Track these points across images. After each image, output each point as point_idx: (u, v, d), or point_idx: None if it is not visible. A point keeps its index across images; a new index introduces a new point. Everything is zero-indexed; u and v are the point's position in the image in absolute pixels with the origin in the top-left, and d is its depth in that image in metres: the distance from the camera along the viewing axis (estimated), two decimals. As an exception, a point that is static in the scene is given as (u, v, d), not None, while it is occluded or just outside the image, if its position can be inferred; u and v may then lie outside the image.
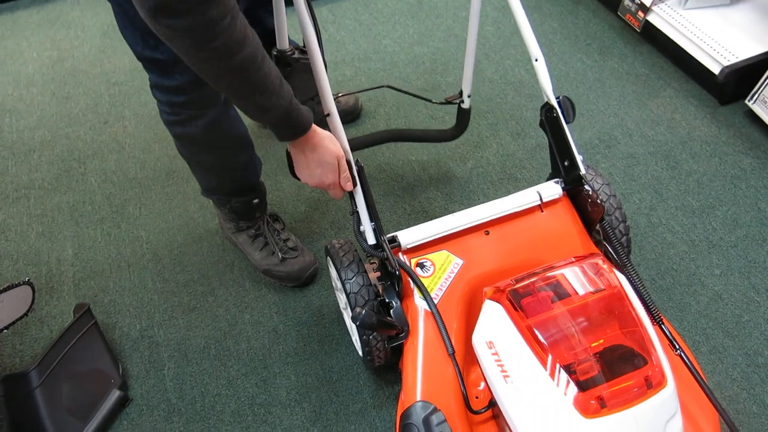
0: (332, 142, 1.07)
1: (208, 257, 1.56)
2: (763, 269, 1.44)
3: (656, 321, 1.05)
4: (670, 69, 1.97)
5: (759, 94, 1.69)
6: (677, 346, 1.03)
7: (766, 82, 1.66)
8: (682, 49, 1.85)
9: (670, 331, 1.05)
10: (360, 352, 1.26)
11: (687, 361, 1.03)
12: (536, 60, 1.21)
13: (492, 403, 1.04)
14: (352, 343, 1.35)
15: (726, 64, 1.71)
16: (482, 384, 1.12)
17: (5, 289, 1.22)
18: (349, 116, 1.87)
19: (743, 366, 1.29)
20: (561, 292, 0.95)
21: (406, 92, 1.55)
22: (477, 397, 1.11)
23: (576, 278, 0.96)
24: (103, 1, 2.46)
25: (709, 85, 1.85)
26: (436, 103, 1.56)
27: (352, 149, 1.13)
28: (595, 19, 2.19)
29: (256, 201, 1.42)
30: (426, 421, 0.99)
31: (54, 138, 1.92)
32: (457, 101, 1.52)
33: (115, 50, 2.22)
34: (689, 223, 1.54)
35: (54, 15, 2.44)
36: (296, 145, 1.04)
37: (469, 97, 1.51)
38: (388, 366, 1.22)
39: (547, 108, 1.23)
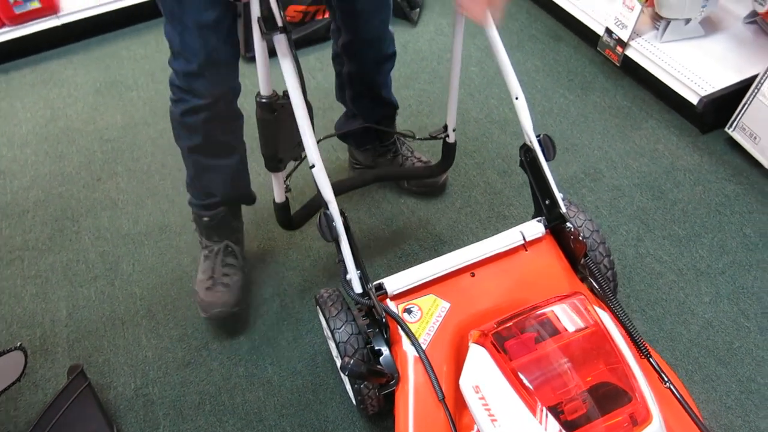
0: None
1: (202, 310, 1.56)
2: (752, 294, 1.44)
3: (644, 355, 1.05)
4: (651, 101, 2.01)
5: (737, 122, 1.72)
6: (666, 379, 1.03)
7: (743, 110, 1.69)
8: (661, 81, 1.89)
9: (658, 364, 1.05)
10: (352, 399, 1.25)
11: (677, 393, 1.02)
12: (516, 98, 1.23)
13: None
14: (347, 391, 1.34)
15: (704, 94, 1.74)
16: (475, 428, 1.11)
17: (-2, 355, 1.23)
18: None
19: (737, 393, 1.28)
20: (544, 333, 0.95)
21: (387, 130, 1.58)
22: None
23: (558, 318, 0.96)
24: (95, 59, 2.54)
25: (689, 115, 1.88)
26: (420, 139, 1.57)
27: (339, 192, 1.14)
28: (576, 55, 2.24)
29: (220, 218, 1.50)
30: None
31: (47, 197, 1.95)
32: (442, 135, 1.54)
33: (108, 107, 2.27)
34: (676, 252, 1.55)
35: (47, 75, 2.49)
36: None
37: (454, 131, 1.51)
38: (383, 413, 1.21)
39: (525, 148, 1.25)
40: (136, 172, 1.99)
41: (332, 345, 1.33)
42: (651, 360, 1.06)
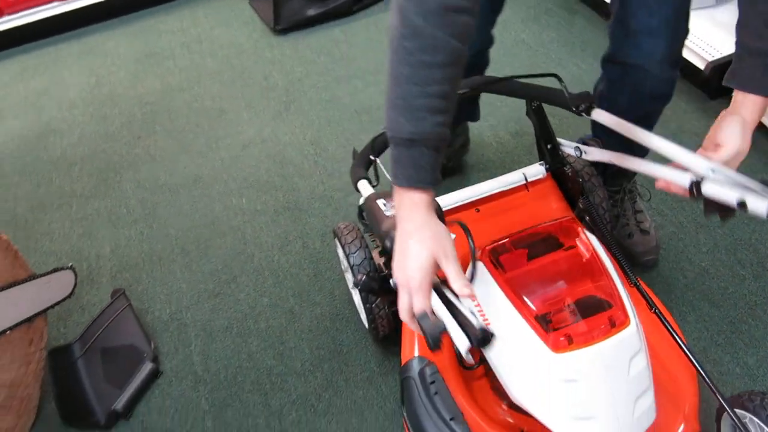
0: (445, 237, 0.87)
1: (231, 250, 1.70)
2: (749, 246, 1.52)
3: (632, 283, 1.15)
4: (662, 70, 2.08)
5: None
6: (653, 304, 1.12)
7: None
8: (671, 49, 1.96)
9: (646, 291, 1.15)
10: (366, 324, 1.38)
11: (663, 318, 1.12)
12: None
13: (482, 360, 1.15)
14: (362, 320, 1.47)
15: (710, 59, 1.81)
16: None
17: (52, 272, 1.38)
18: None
19: (728, 333, 1.37)
20: (536, 251, 1.06)
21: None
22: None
23: (550, 238, 1.07)
24: (135, 32, 2.71)
25: (697, 81, 1.95)
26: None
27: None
28: (590, 26, 2.32)
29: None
30: (421, 373, 1.10)
31: (93, 153, 2.12)
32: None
33: (147, 74, 2.44)
34: (678, 207, 1.64)
35: (90, 46, 2.68)
36: (403, 208, 0.87)
37: None
38: (392, 338, 1.33)
39: (531, 98, 1.34)
40: (172, 132, 2.15)
41: (348, 277, 1.45)
42: (639, 288, 1.16)
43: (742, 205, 0.93)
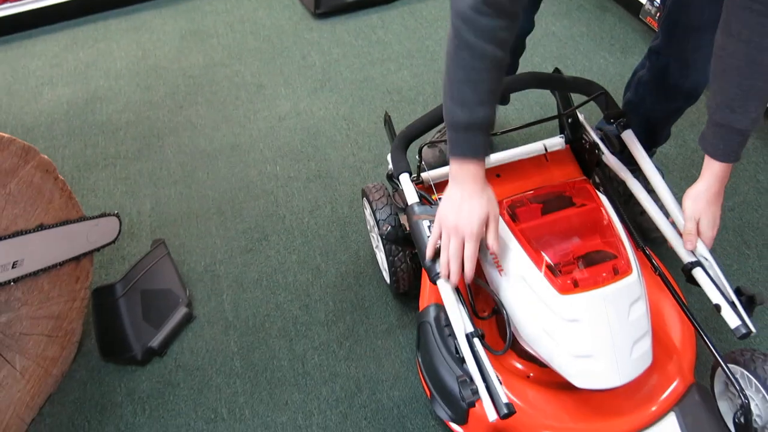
0: (495, 202, 1.08)
1: (264, 211, 1.81)
2: (756, 229, 1.58)
3: (639, 247, 1.22)
4: (687, 65, 2.14)
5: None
6: (656, 266, 1.20)
7: None
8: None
9: (651, 255, 1.22)
10: (387, 279, 1.47)
11: (665, 279, 1.19)
12: None
13: (495, 311, 1.23)
14: (383, 278, 1.56)
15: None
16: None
17: (100, 216, 1.50)
18: None
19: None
20: (551, 206, 1.14)
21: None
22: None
23: (564, 196, 1.15)
24: (181, 11, 2.84)
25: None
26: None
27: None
28: (620, 23, 2.39)
29: None
30: (437, 318, 1.19)
31: (137, 119, 2.24)
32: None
33: (191, 50, 2.56)
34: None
35: (139, 22, 2.81)
36: (460, 176, 1.06)
37: None
38: (412, 294, 1.42)
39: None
40: (213, 103, 2.27)
41: (373, 236, 1.54)
42: (644, 251, 1.23)
43: (718, 308, 1.10)
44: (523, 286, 1.05)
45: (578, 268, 1.05)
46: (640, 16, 2.26)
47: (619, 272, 1.02)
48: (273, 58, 2.45)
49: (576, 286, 1.01)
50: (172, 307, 1.53)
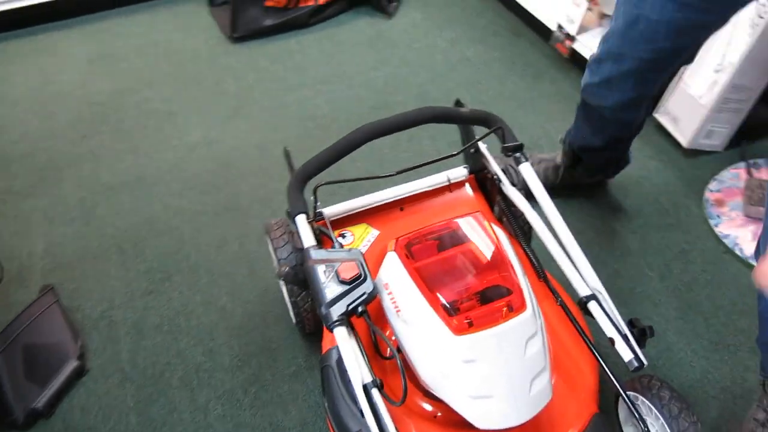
0: None
1: (168, 249, 1.71)
2: (657, 250, 1.62)
3: (540, 277, 1.22)
4: (595, 90, 2.19)
5: (662, 107, 1.90)
6: (558, 297, 1.19)
7: (667, 96, 1.88)
8: (602, 70, 2.07)
9: (553, 285, 1.21)
10: (293, 319, 1.41)
11: (567, 310, 1.18)
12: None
13: (399, 350, 1.19)
14: (291, 318, 1.49)
15: (636, 81, 1.92)
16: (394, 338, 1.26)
17: (-24, 265, 1.37)
18: None
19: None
20: (446, 242, 1.11)
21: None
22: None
23: (459, 230, 1.13)
24: (90, 32, 2.71)
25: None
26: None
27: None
28: (533, 49, 2.43)
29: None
30: (339, 361, 1.13)
31: (33, 150, 2.10)
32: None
33: (98, 75, 2.43)
34: (596, 215, 1.73)
35: (43, 45, 2.66)
36: None
37: None
38: (319, 334, 1.36)
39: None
40: (119, 132, 2.15)
41: (280, 274, 1.48)
42: (546, 281, 1.22)
43: (612, 341, 1.09)
44: (419, 327, 1.01)
45: (476, 304, 1.03)
46: (550, 43, 2.31)
47: (513, 309, 1.00)
48: (185, 84, 2.37)
49: (471, 326, 0.98)
50: (60, 362, 1.41)
